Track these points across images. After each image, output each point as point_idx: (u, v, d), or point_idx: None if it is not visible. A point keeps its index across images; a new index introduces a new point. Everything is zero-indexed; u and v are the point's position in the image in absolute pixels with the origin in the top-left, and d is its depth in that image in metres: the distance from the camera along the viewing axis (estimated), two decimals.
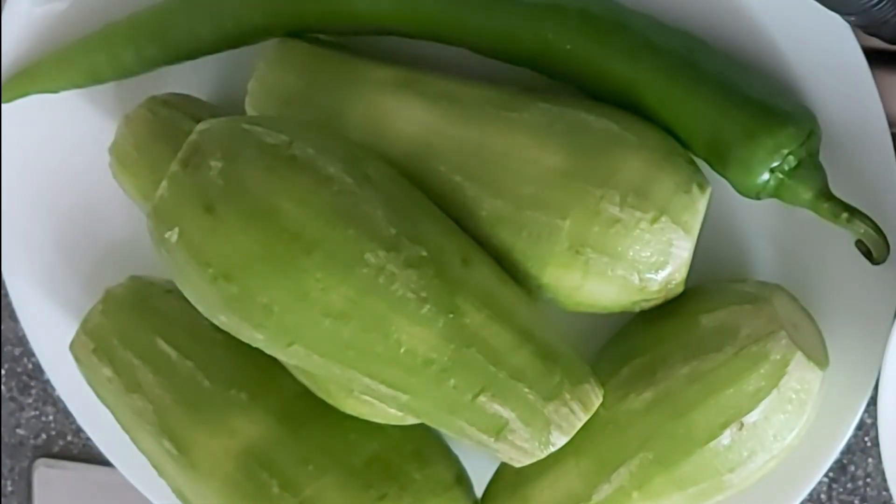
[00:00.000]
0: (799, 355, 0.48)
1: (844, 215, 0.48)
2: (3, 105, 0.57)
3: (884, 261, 0.49)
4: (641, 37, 0.49)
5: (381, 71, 0.52)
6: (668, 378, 0.49)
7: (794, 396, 0.49)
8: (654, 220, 0.48)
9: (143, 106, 0.55)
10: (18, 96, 0.56)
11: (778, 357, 0.48)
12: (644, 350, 0.50)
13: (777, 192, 0.49)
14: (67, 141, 0.58)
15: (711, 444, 0.49)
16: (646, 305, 0.49)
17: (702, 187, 0.49)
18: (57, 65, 0.56)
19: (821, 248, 0.52)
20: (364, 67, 0.52)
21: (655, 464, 0.49)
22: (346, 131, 0.51)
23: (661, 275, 0.48)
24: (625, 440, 0.49)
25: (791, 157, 0.48)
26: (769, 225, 0.53)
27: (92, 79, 0.56)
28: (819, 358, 0.50)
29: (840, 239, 0.51)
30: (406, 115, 0.50)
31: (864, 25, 0.47)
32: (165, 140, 0.54)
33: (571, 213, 0.48)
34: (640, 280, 0.48)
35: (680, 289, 0.49)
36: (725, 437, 0.48)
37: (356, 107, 0.51)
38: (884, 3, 0.45)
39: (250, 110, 0.53)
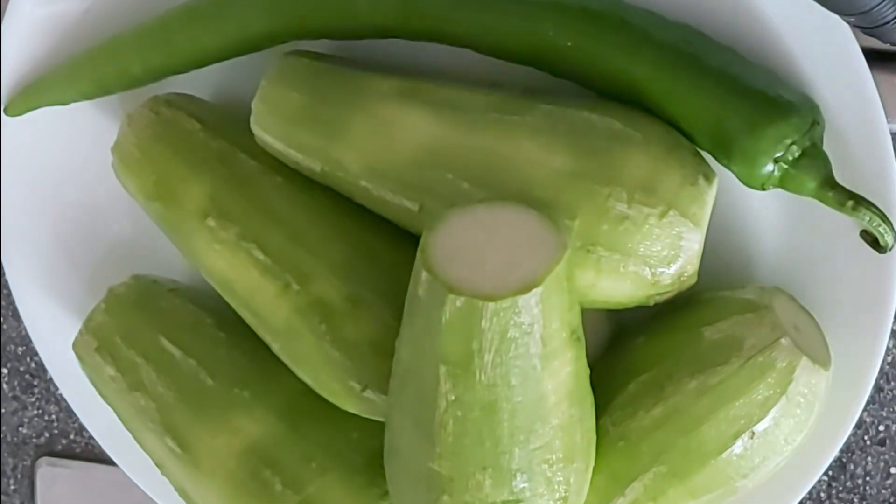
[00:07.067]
0: (804, 360, 0.48)
1: (850, 203, 0.48)
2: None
3: (891, 249, 0.49)
4: (643, 32, 0.49)
5: (383, 82, 0.52)
6: (676, 393, 0.49)
7: (802, 400, 0.49)
8: (663, 215, 0.48)
9: (146, 105, 0.56)
10: (28, 109, 0.57)
11: (784, 364, 0.48)
12: (649, 366, 0.50)
13: (782, 183, 0.49)
14: (70, 140, 0.58)
15: (724, 455, 0.49)
16: (660, 299, 0.49)
17: (708, 179, 0.49)
18: (65, 78, 0.56)
19: (820, 246, 0.52)
20: (365, 79, 0.52)
21: (669, 476, 0.49)
22: (352, 144, 0.51)
23: (673, 268, 0.49)
24: (637, 456, 0.50)
25: (794, 147, 0.48)
26: (769, 224, 0.53)
27: (100, 90, 0.56)
28: (822, 358, 0.50)
29: (839, 237, 0.51)
30: (410, 124, 0.50)
31: (863, 26, 0.47)
32: (168, 140, 0.55)
33: (580, 213, 0.48)
34: (653, 275, 0.48)
35: (693, 280, 0.49)
36: (737, 447, 0.49)
37: (360, 119, 0.51)
38: (883, 4, 0.45)
39: (256, 129, 0.53)
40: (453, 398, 0.45)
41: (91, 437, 0.61)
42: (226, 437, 0.52)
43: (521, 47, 0.51)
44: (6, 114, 0.57)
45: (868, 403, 0.52)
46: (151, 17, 0.54)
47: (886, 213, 0.48)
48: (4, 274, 0.61)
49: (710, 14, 0.50)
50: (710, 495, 0.50)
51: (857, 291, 0.51)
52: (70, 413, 0.62)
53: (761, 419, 0.48)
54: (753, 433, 0.48)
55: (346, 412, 0.51)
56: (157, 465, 0.55)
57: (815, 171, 0.48)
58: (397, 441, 0.49)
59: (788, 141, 0.48)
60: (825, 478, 0.60)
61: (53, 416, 0.67)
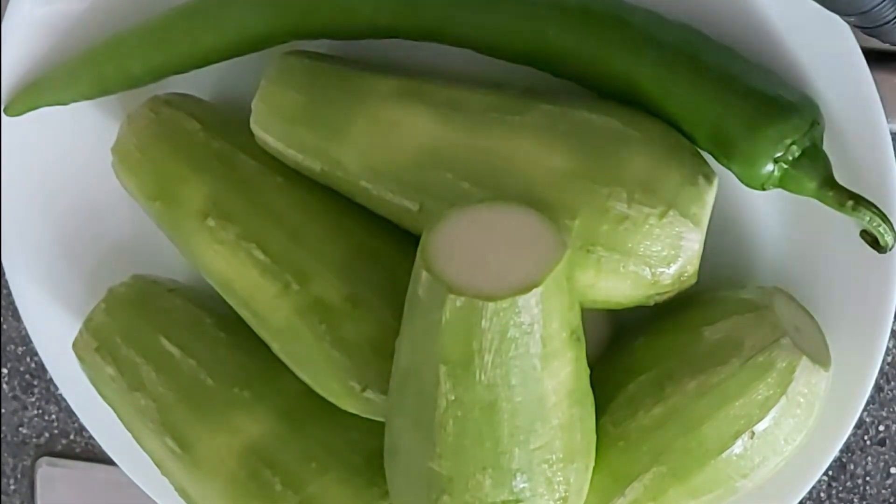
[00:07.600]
0: (804, 360, 0.48)
1: (850, 203, 0.48)
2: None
3: (891, 249, 0.49)
4: (643, 32, 0.49)
5: (384, 82, 0.52)
6: (676, 393, 0.49)
7: (802, 400, 0.49)
8: (663, 215, 0.48)
9: (146, 105, 0.56)
10: (28, 109, 0.57)
11: (784, 364, 0.48)
12: (649, 366, 0.51)
13: (782, 183, 0.49)
14: (70, 140, 0.58)
15: (724, 455, 0.49)
16: (659, 299, 0.50)
17: (708, 179, 0.49)
18: (65, 78, 0.56)
19: (820, 246, 0.52)
20: (366, 79, 0.52)
21: (669, 476, 0.49)
22: (352, 144, 0.51)
23: (673, 268, 0.49)
24: (637, 456, 0.50)
25: (794, 147, 0.48)
26: (769, 224, 0.53)
27: (100, 90, 0.56)
28: (822, 358, 0.50)
29: (840, 236, 0.51)
30: (410, 124, 0.50)
31: (863, 26, 0.47)
32: (167, 140, 0.55)
33: (580, 213, 0.48)
34: (653, 275, 0.48)
35: (693, 280, 0.50)
36: (737, 447, 0.49)
37: (361, 119, 0.51)
38: (883, 4, 0.46)
39: (256, 129, 0.53)
40: (453, 398, 0.45)
41: (91, 437, 0.61)
42: (226, 437, 0.53)
43: (522, 47, 0.51)
44: (6, 114, 0.57)
45: (868, 403, 0.52)
46: (151, 16, 0.55)
47: (886, 213, 0.48)
48: (4, 274, 0.61)
49: (710, 14, 0.50)
50: (710, 495, 0.50)
51: (857, 291, 0.51)
52: (70, 413, 0.62)
53: (761, 419, 0.48)
54: (753, 433, 0.49)
55: (346, 412, 0.51)
56: (157, 464, 0.55)
57: (815, 171, 0.48)
58: (397, 441, 0.49)
59: (788, 141, 0.48)
60: (825, 478, 0.60)
61: (53, 416, 0.67)
